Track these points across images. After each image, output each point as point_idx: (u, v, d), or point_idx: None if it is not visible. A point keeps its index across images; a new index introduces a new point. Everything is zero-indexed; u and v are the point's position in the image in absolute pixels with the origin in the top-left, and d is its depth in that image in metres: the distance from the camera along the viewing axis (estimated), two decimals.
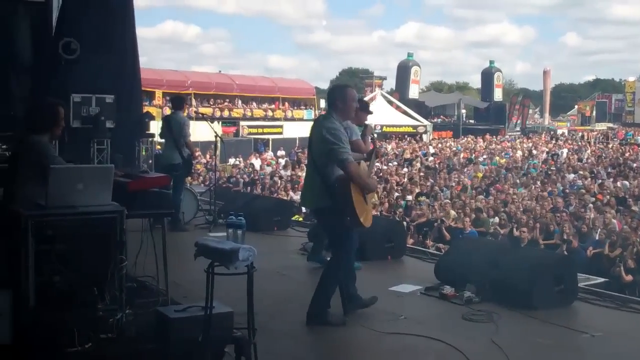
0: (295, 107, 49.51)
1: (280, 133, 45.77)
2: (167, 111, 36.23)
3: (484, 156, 33.94)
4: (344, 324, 6.24)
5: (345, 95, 6.25)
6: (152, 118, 14.44)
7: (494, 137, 49.31)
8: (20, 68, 10.45)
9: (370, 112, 7.88)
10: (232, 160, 33.77)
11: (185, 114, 11.54)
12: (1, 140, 8.06)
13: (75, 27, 10.69)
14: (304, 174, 8.48)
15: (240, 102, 46.19)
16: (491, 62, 67.65)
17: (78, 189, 4.99)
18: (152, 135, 12.64)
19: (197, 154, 23.52)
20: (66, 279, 4.93)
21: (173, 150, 10.88)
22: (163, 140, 11.58)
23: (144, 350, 4.91)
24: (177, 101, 11.62)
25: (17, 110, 9.03)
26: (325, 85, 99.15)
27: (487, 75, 64.99)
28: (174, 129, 10.88)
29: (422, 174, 26.13)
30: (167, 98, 40.28)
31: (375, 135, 7.39)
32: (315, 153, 6.23)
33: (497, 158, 32.78)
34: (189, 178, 15.17)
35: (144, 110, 13.85)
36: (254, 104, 47.31)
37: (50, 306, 4.82)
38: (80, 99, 10.66)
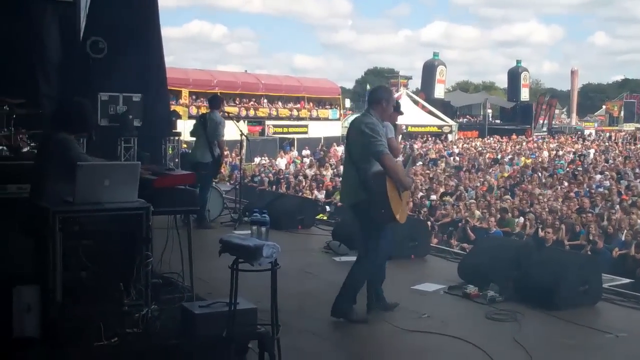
0: (321, 107, 49.47)
1: (306, 132, 45.86)
2: (194, 110, 36.47)
3: (510, 156, 33.72)
4: (366, 321, 6.26)
5: (391, 96, 6.54)
6: (179, 117, 14.59)
7: (519, 137, 48.97)
8: (48, 67, 10.60)
9: (402, 113, 7.92)
10: (257, 160, 33.88)
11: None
12: (30, 138, 8.15)
13: (103, 27, 10.83)
14: (335, 173, 8.53)
15: (266, 101, 46.32)
16: (518, 61, 67.20)
17: (105, 186, 5.03)
18: (179, 134, 12.75)
19: (226, 152, 23.67)
20: (93, 274, 5.00)
21: (204, 149, 10.89)
22: (190, 139, 11.64)
23: (169, 345, 4.95)
24: (215, 100, 11.63)
25: (45, 109, 9.12)
26: (350, 85, 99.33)
27: (514, 75, 64.54)
28: (209, 128, 10.89)
29: (447, 174, 26.03)
30: (194, 97, 40.60)
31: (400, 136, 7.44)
32: (352, 148, 6.34)
33: (523, 158, 32.54)
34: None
35: (171, 109, 13.95)
36: (280, 103, 47.39)
37: (77, 301, 4.89)
38: (107, 98, 10.82)
